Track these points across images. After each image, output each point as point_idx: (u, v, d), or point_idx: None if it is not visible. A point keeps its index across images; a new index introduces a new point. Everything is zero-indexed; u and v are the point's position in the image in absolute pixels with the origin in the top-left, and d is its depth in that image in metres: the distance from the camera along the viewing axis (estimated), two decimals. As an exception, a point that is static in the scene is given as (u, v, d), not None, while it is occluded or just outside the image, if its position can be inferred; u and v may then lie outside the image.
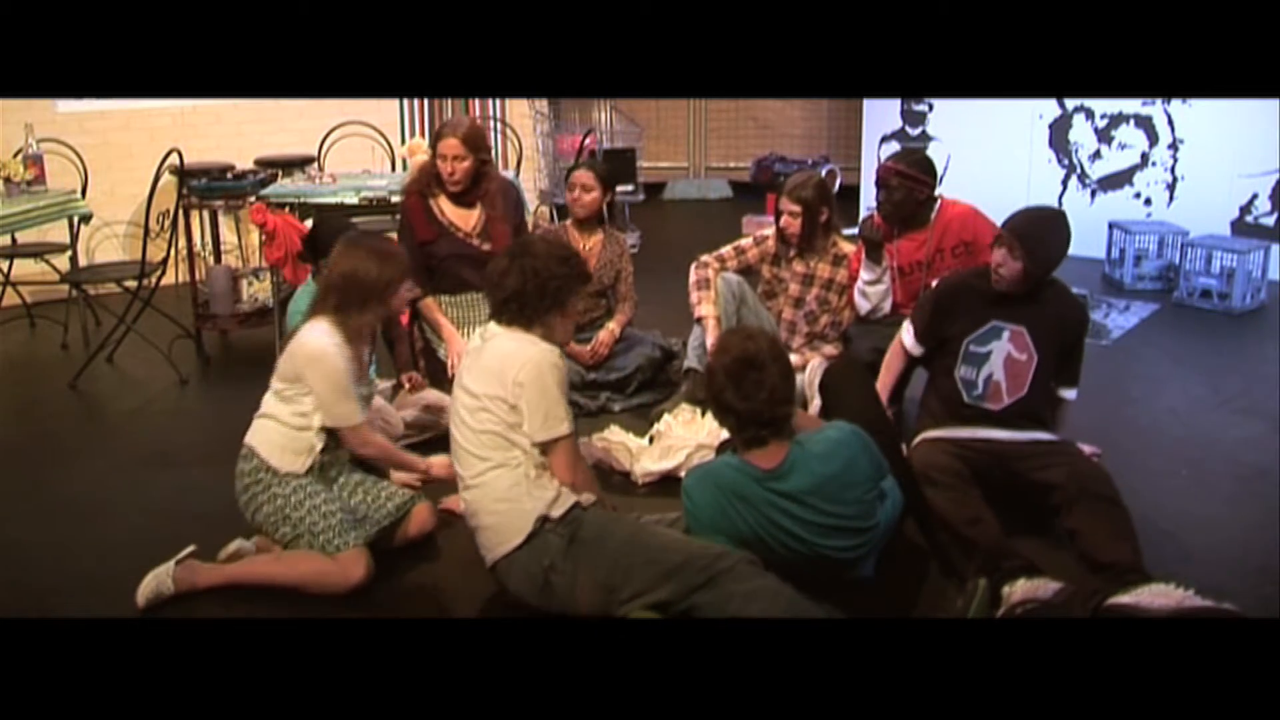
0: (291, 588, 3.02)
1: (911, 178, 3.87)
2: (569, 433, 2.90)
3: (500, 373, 2.85)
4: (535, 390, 2.83)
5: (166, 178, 4.97)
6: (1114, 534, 2.93)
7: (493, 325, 2.98)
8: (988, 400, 3.33)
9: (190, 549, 3.08)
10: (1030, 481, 3.20)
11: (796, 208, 4.15)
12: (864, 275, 3.97)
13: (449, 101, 7.48)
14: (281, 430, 3.13)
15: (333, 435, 3.15)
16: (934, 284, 3.66)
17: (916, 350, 3.56)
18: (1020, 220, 3.26)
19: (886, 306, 4.01)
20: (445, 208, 4.27)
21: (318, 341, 3.06)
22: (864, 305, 4.03)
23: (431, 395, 4.04)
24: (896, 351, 3.63)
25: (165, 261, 5.14)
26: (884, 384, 3.66)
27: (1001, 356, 3.31)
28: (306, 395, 3.09)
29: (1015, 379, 3.30)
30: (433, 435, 3.86)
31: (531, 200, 7.05)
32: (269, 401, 3.18)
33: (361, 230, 3.75)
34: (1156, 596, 2.72)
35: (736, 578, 2.67)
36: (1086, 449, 3.77)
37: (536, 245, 3.01)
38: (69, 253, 5.51)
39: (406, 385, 4.09)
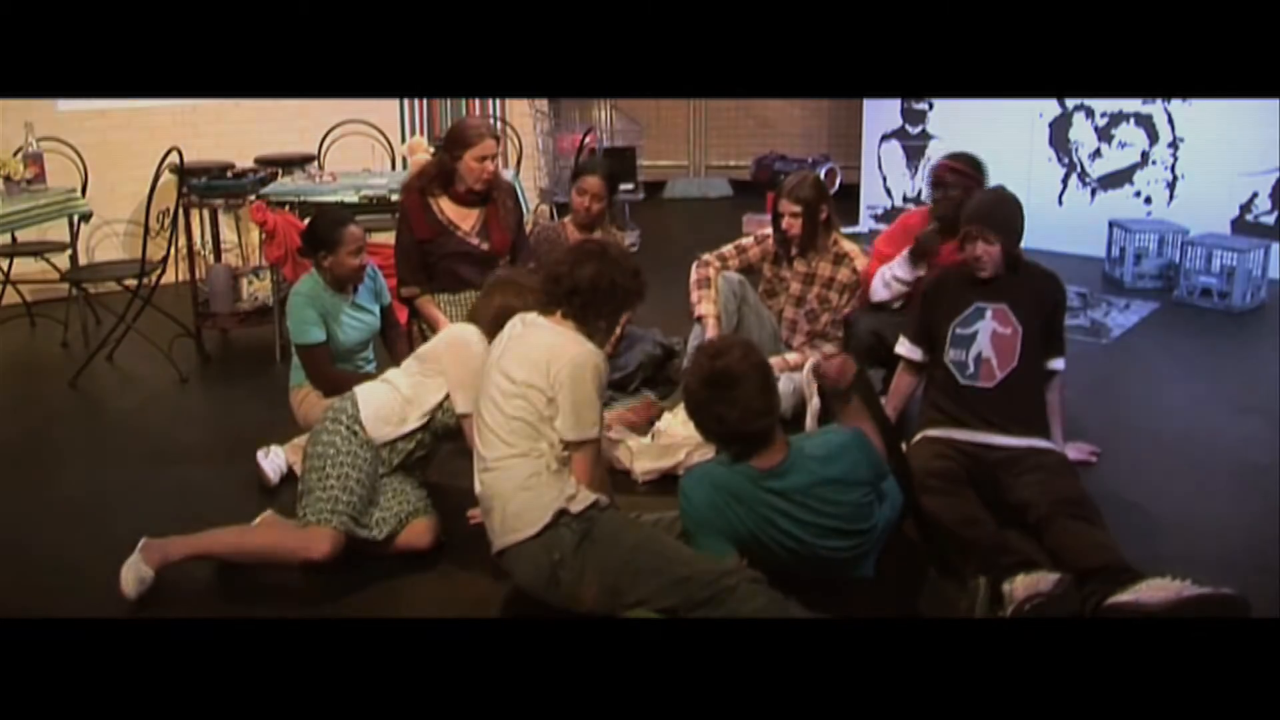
0: (257, 555, 3.12)
1: (967, 175, 3.95)
2: (598, 436, 2.90)
3: (544, 364, 2.83)
4: (576, 389, 2.81)
5: (166, 176, 4.97)
6: (1094, 544, 2.95)
7: (538, 315, 2.97)
8: (981, 378, 3.41)
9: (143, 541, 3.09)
10: (1006, 503, 3.25)
11: (797, 208, 4.15)
12: (898, 270, 4.00)
13: (449, 101, 7.48)
14: (391, 395, 3.26)
15: (427, 432, 3.27)
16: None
17: (915, 354, 3.63)
18: (977, 210, 3.44)
19: (899, 302, 4.04)
20: (445, 206, 4.27)
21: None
22: (882, 294, 4.04)
23: None
24: (900, 368, 3.73)
25: (165, 260, 5.13)
26: (893, 406, 3.70)
27: (987, 334, 3.43)
28: (434, 379, 3.25)
29: (1004, 354, 3.40)
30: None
31: (532, 199, 7.05)
32: (393, 373, 3.37)
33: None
34: (1155, 591, 2.73)
35: (741, 598, 2.65)
36: (1085, 448, 3.80)
37: (613, 249, 3.01)
38: (69, 251, 5.51)
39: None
